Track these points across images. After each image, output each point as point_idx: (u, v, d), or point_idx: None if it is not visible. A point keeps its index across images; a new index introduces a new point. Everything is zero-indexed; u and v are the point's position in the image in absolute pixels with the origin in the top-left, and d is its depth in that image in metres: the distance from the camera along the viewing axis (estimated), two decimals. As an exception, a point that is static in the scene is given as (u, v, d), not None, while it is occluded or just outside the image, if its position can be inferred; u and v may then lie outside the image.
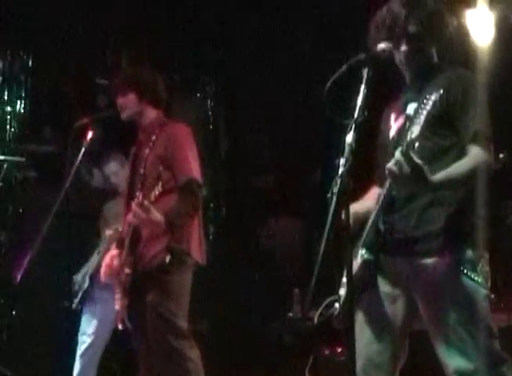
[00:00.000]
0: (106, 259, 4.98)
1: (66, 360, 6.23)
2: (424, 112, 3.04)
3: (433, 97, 3.05)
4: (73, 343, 6.14)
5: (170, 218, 4.53)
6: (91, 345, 6.21)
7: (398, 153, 3.10)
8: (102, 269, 5.04)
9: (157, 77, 5.07)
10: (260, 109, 9.16)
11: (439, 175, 3.20)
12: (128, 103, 4.88)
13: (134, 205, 4.45)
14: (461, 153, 3.34)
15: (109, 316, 5.99)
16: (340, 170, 3.00)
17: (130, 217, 4.52)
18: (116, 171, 6.39)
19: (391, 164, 3.12)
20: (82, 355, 6.19)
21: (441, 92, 3.06)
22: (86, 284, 6.19)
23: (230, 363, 7.30)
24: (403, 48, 3.49)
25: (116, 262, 4.81)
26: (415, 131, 3.04)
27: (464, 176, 3.28)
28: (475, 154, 3.31)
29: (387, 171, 3.15)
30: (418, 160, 3.08)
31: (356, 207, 3.47)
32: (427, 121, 3.04)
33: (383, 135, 3.67)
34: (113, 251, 4.92)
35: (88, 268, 6.28)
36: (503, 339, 3.39)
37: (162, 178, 4.44)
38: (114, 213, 6.28)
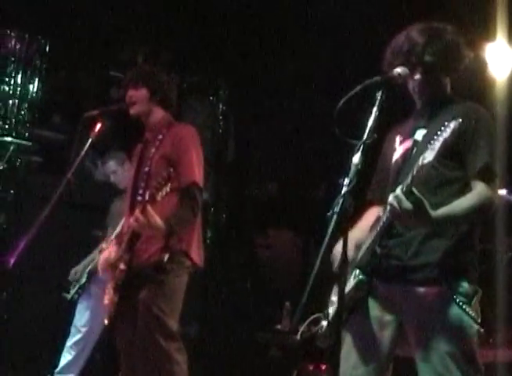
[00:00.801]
0: (105, 253, 4.99)
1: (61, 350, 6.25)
2: (441, 139, 3.02)
3: (452, 125, 3.02)
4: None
5: (171, 224, 4.53)
6: (82, 338, 6.22)
7: (398, 189, 3.11)
8: (99, 262, 5.05)
9: (171, 80, 5.10)
10: (271, 117, 9.16)
11: (440, 212, 3.21)
12: (139, 97, 4.88)
13: (137, 211, 4.45)
14: (465, 187, 3.34)
15: (102, 312, 6.00)
16: (344, 190, 2.99)
17: (131, 221, 4.52)
18: (115, 169, 6.41)
19: (391, 199, 3.12)
20: (72, 346, 6.20)
21: (460, 121, 3.04)
22: (84, 279, 6.19)
23: (214, 369, 7.30)
24: (417, 76, 3.49)
25: (113, 256, 4.81)
26: (428, 156, 3.02)
27: (465, 214, 3.28)
28: (479, 191, 3.30)
29: (388, 207, 3.16)
30: (420, 196, 3.08)
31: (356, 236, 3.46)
32: (442, 147, 3.02)
33: (385, 156, 3.67)
34: (113, 247, 4.92)
35: (89, 262, 6.28)
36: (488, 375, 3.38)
37: (172, 178, 4.43)
38: (119, 211, 6.29)
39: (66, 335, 6.33)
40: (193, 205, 4.67)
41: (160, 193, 4.36)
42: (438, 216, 3.19)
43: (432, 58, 3.46)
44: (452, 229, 3.35)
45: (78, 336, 6.26)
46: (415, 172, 3.07)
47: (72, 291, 6.19)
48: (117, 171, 6.47)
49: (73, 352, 6.25)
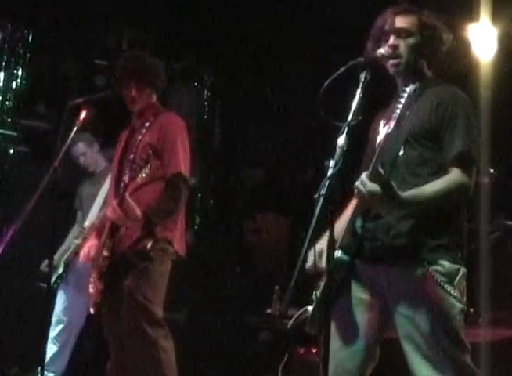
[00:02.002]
0: (85, 249, 4.98)
1: (41, 341, 6.22)
2: (400, 106, 3.08)
3: (407, 89, 3.09)
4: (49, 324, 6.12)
5: (149, 216, 4.54)
6: (64, 328, 6.21)
7: (363, 174, 3.11)
8: (81, 257, 5.04)
9: (159, 66, 5.07)
10: (257, 103, 9.14)
11: (409, 193, 3.21)
12: (133, 95, 4.86)
13: (114, 202, 4.47)
14: (443, 168, 3.34)
15: (82, 300, 6.00)
16: (329, 172, 3.00)
17: (109, 212, 4.53)
18: (84, 151, 6.35)
19: (357, 183, 3.13)
20: (56, 337, 6.18)
21: (435, 104, 3.05)
22: (61, 269, 6.17)
23: (205, 354, 7.31)
24: (390, 41, 3.47)
25: (93, 252, 4.82)
26: (391, 126, 3.05)
27: (434, 197, 3.27)
28: (452, 177, 3.31)
29: (355, 191, 3.16)
30: (385, 176, 3.08)
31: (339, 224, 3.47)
32: (416, 129, 3.02)
33: (371, 140, 3.67)
34: (92, 241, 4.92)
35: (64, 251, 6.25)
36: (478, 354, 3.39)
37: (151, 161, 4.43)
38: (89, 194, 6.28)
39: (45, 326, 6.31)
40: (176, 196, 4.67)
41: (139, 175, 4.37)
42: (407, 197, 3.19)
43: (404, 24, 3.48)
44: (433, 210, 3.35)
45: (60, 326, 6.25)
46: (369, 170, 3.08)
47: (52, 281, 6.16)
48: (86, 153, 6.41)
49: (57, 344, 6.24)
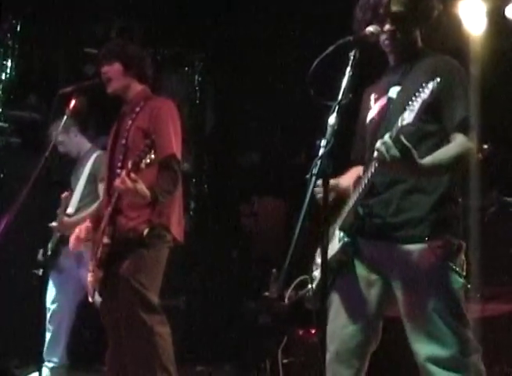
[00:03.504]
0: (76, 231, 4.96)
1: (37, 329, 6.21)
2: (419, 100, 3.00)
3: (430, 86, 2.99)
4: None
5: (156, 194, 4.49)
6: (55, 312, 6.18)
7: (387, 136, 3.08)
8: (71, 241, 5.02)
9: (144, 53, 5.07)
10: (248, 86, 9.12)
11: (427, 160, 3.20)
12: (114, 73, 4.84)
13: (123, 173, 4.38)
14: (443, 140, 3.34)
15: (72, 284, 5.99)
16: (321, 151, 2.98)
17: (117, 182, 4.42)
18: (61, 140, 6.26)
19: (379, 145, 3.09)
20: (49, 322, 6.16)
21: (438, 80, 3.03)
22: (49, 252, 6.10)
23: (205, 340, 7.32)
24: (386, 27, 3.47)
25: (83, 233, 4.81)
26: (407, 118, 3.01)
27: (451, 162, 3.28)
28: (461, 141, 3.31)
29: (375, 153, 3.13)
30: (408, 144, 3.07)
31: (339, 181, 3.48)
32: (422, 108, 3.01)
33: (362, 116, 3.67)
34: (86, 224, 4.90)
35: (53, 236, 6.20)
36: (476, 329, 3.40)
37: (154, 146, 4.40)
38: (77, 178, 6.24)
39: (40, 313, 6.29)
40: (173, 176, 4.64)
41: (143, 161, 4.30)
42: (425, 164, 3.18)
43: (399, 7, 3.46)
44: (432, 184, 3.36)
45: (51, 311, 6.22)
46: (394, 133, 3.06)
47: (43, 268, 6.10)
48: (64, 141, 6.33)
49: (53, 328, 6.21)
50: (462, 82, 3.40)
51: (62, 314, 6.20)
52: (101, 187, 5.48)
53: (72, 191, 6.17)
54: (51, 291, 6.13)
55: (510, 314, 5.60)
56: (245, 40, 8.86)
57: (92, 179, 6.11)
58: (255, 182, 9.42)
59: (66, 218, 5.78)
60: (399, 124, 3.04)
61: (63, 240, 5.84)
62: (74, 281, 5.99)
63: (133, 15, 8.70)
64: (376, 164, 3.20)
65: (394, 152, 3.06)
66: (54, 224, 5.82)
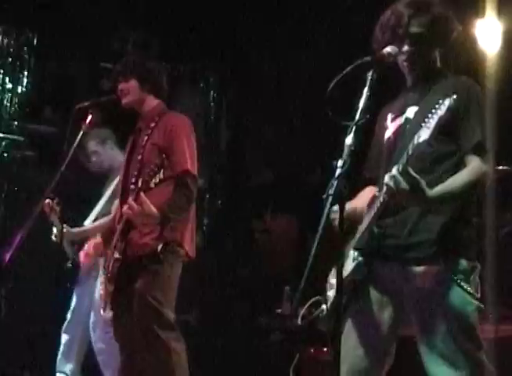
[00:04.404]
0: (86, 247, 4.97)
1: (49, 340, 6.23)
2: (435, 117, 3.00)
3: (446, 102, 3.00)
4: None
5: (165, 213, 4.50)
6: (70, 323, 6.15)
7: (394, 169, 3.10)
8: (81, 255, 5.03)
9: (160, 68, 5.08)
10: (264, 104, 9.14)
11: (436, 190, 3.20)
12: (130, 89, 4.87)
13: (130, 199, 4.43)
14: (459, 162, 3.34)
15: (88, 296, 5.98)
16: (338, 172, 2.98)
17: (125, 209, 4.49)
18: (95, 150, 6.26)
19: (387, 179, 3.11)
20: (64, 332, 6.15)
21: (455, 97, 3.03)
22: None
23: (216, 355, 7.30)
24: (405, 48, 3.47)
25: (91, 250, 4.82)
26: (423, 135, 3.02)
27: (462, 190, 3.28)
28: (474, 166, 3.30)
29: (384, 187, 3.15)
30: (416, 175, 3.08)
31: (355, 203, 3.47)
32: (437, 125, 3.01)
33: (378, 135, 3.66)
34: (96, 240, 4.91)
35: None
36: (489, 351, 3.38)
37: (164, 165, 4.42)
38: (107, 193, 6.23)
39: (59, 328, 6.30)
40: (187, 193, 4.65)
41: (153, 180, 4.34)
42: (435, 195, 3.18)
43: (418, 29, 3.45)
44: (448, 206, 3.35)
45: (67, 320, 6.21)
46: (410, 152, 3.07)
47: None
48: (98, 151, 6.32)
49: (67, 337, 6.19)
50: (479, 105, 3.40)
51: (76, 325, 6.19)
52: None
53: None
54: (72, 302, 6.14)
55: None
56: (261, 57, 8.88)
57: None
58: (268, 199, 9.42)
59: (66, 229, 5.75)
60: (415, 142, 3.04)
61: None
62: (90, 294, 5.99)
63: (150, 30, 8.74)
64: (385, 197, 3.21)
65: (404, 186, 3.08)
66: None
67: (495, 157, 3.45)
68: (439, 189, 3.22)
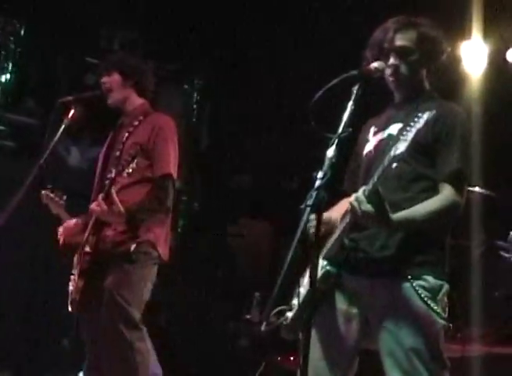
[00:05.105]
0: (60, 229, 4.91)
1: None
2: (413, 130, 3.02)
3: (425, 116, 3.03)
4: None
5: (131, 213, 4.52)
6: None
7: (360, 191, 3.13)
8: (59, 233, 4.94)
9: (145, 66, 5.09)
10: (245, 109, 9.14)
11: (400, 215, 3.23)
12: (112, 83, 4.86)
13: (99, 196, 4.45)
14: (432, 186, 3.35)
15: None
16: (317, 183, 2.99)
17: (93, 207, 4.51)
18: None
19: (352, 199, 3.14)
20: None
21: (434, 112, 3.06)
22: None
23: (183, 358, 7.29)
24: (391, 61, 3.48)
25: (62, 231, 4.80)
26: (400, 147, 3.03)
27: (426, 219, 3.28)
28: (444, 195, 3.32)
29: (348, 206, 3.17)
30: (382, 197, 3.10)
31: (330, 214, 3.48)
32: (415, 138, 3.03)
33: (358, 147, 3.67)
34: (71, 221, 4.88)
35: None
36: (457, 370, 3.41)
37: (138, 157, 4.43)
38: None
39: (42, 323, 6.23)
40: (161, 196, 4.66)
41: (126, 170, 4.36)
42: (398, 220, 3.21)
43: (404, 42, 3.48)
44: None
45: None
46: (386, 163, 3.07)
47: None
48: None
49: None
50: (463, 133, 3.40)
51: None
52: None
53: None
54: None
55: (490, 355, 5.61)
56: (246, 63, 8.89)
57: None
58: (245, 204, 9.43)
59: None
60: (391, 154, 3.05)
61: None
62: None
63: (136, 28, 8.72)
64: (350, 217, 3.23)
65: (366, 207, 3.11)
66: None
67: (481, 179, 3.47)
68: (403, 214, 3.24)
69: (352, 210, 3.16)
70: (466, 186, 3.39)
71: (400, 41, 3.49)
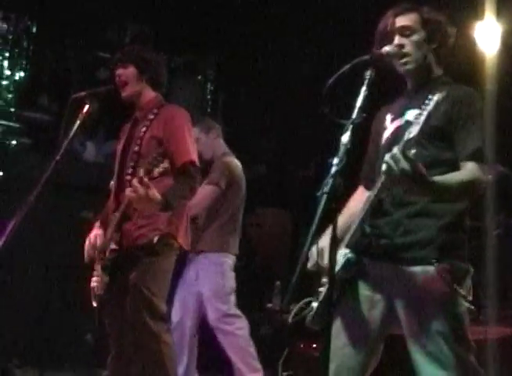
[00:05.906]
0: (92, 240, 4.87)
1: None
2: (425, 112, 3.01)
3: (435, 98, 3.01)
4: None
5: (167, 198, 4.42)
6: (175, 329, 5.91)
7: (395, 149, 3.05)
8: (86, 249, 4.92)
9: (159, 59, 5.07)
10: (259, 98, 9.14)
11: (437, 178, 3.18)
12: (128, 76, 4.85)
13: (134, 180, 4.36)
14: (454, 169, 3.33)
15: (193, 298, 5.97)
16: (333, 170, 2.98)
17: (128, 191, 4.37)
18: (198, 137, 5.99)
19: (387, 158, 3.05)
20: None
21: (445, 94, 3.03)
22: None
23: (205, 348, 7.31)
24: (395, 41, 3.46)
25: (99, 242, 4.75)
26: (413, 131, 3.01)
27: (460, 186, 3.25)
28: (471, 169, 3.28)
29: (383, 166, 3.10)
30: (415, 160, 3.04)
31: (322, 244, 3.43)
32: (427, 121, 3.01)
33: (376, 135, 3.65)
34: (96, 231, 4.86)
35: None
36: (478, 352, 3.40)
37: (168, 155, 4.41)
38: None
39: (55, 318, 6.25)
40: (191, 183, 4.61)
41: (156, 169, 4.26)
42: (436, 182, 3.15)
43: (405, 23, 3.47)
44: (442, 209, 3.35)
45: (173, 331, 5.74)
46: (401, 146, 3.05)
47: None
48: (201, 139, 6.13)
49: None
50: (479, 113, 3.38)
51: (183, 329, 6.04)
52: None
53: None
54: (174, 307, 6.01)
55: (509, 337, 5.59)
56: (257, 52, 8.88)
57: None
58: (261, 193, 9.42)
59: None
60: (405, 138, 3.03)
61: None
62: (196, 291, 5.98)
63: (147, 21, 8.73)
64: (384, 178, 3.17)
65: (404, 165, 3.02)
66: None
67: (496, 160, 3.45)
68: (440, 178, 3.20)
69: (388, 169, 3.06)
70: (487, 166, 3.36)
71: (402, 22, 3.49)
